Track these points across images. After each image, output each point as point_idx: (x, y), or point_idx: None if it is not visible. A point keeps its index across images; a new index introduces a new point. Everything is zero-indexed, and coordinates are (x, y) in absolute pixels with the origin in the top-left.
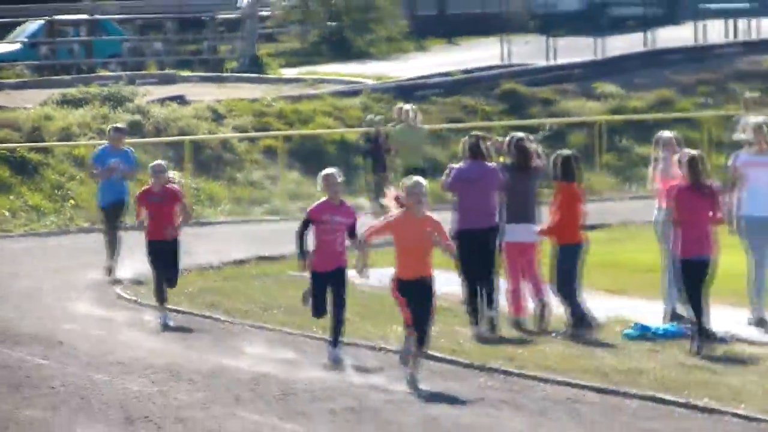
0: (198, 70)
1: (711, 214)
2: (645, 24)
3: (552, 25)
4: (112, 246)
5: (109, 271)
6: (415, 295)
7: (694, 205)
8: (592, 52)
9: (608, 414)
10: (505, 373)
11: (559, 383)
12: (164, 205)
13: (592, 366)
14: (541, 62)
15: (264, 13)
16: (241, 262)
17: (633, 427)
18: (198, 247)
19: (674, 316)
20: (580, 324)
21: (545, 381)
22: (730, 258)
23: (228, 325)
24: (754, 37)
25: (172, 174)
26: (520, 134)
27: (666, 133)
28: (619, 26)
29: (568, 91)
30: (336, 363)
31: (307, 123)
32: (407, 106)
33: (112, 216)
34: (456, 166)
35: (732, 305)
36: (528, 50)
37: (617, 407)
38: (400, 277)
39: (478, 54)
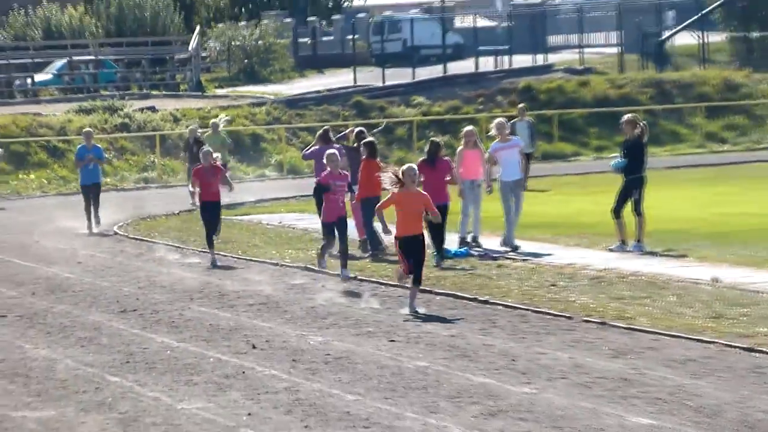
0: (163, 90)
1: (446, 178)
2: (442, 59)
3: (384, 60)
4: (88, 213)
5: (90, 230)
6: (412, 247)
7: (430, 172)
8: (410, 77)
9: (423, 305)
10: (355, 279)
11: (389, 285)
12: (212, 177)
13: None
14: (378, 83)
15: (204, 54)
16: (188, 211)
17: (440, 313)
18: (158, 202)
19: (462, 243)
20: (373, 246)
21: (382, 284)
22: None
23: (183, 251)
24: (510, 67)
25: (216, 155)
26: (361, 128)
27: (468, 128)
28: (426, 61)
29: (395, 102)
30: (346, 280)
31: (232, 123)
32: (214, 120)
33: (91, 193)
34: (314, 147)
35: (501, 236)
36: (369, 76)
37: (429, 300)
38: (399, 235)
39: (338, 79)
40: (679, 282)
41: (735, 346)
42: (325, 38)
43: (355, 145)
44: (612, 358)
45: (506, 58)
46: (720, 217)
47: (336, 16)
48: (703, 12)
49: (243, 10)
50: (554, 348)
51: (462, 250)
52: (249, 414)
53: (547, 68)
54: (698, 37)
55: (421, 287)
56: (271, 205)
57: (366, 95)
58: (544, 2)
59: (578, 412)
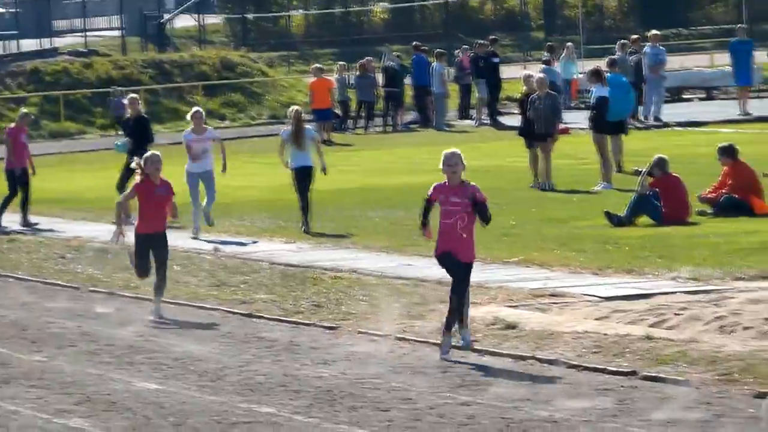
0: None
1: None
2: None
3: None
4: None
5: None
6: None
7: None
8: None
9: None
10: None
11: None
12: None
13: None
14: None
15: None
16: None
17: None
18: None
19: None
20: None
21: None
22: None
23: None
24: (19, 51)
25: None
26: None
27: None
28: None
29: None
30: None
31: None
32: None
33: None
34: None
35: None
36: None
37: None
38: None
39: None
40: (183, 252)
41: (236, 313)
42: None
43: None
44: (119, 326)
45: (14, 42)
46: (221, 189)
47: None
48: None
49: None
50: (63, 317)
51: None
52: None
53: (53, 52)
54: (196, 19)
55: None
56: None
57: None
58: None
59: (87, 378)
